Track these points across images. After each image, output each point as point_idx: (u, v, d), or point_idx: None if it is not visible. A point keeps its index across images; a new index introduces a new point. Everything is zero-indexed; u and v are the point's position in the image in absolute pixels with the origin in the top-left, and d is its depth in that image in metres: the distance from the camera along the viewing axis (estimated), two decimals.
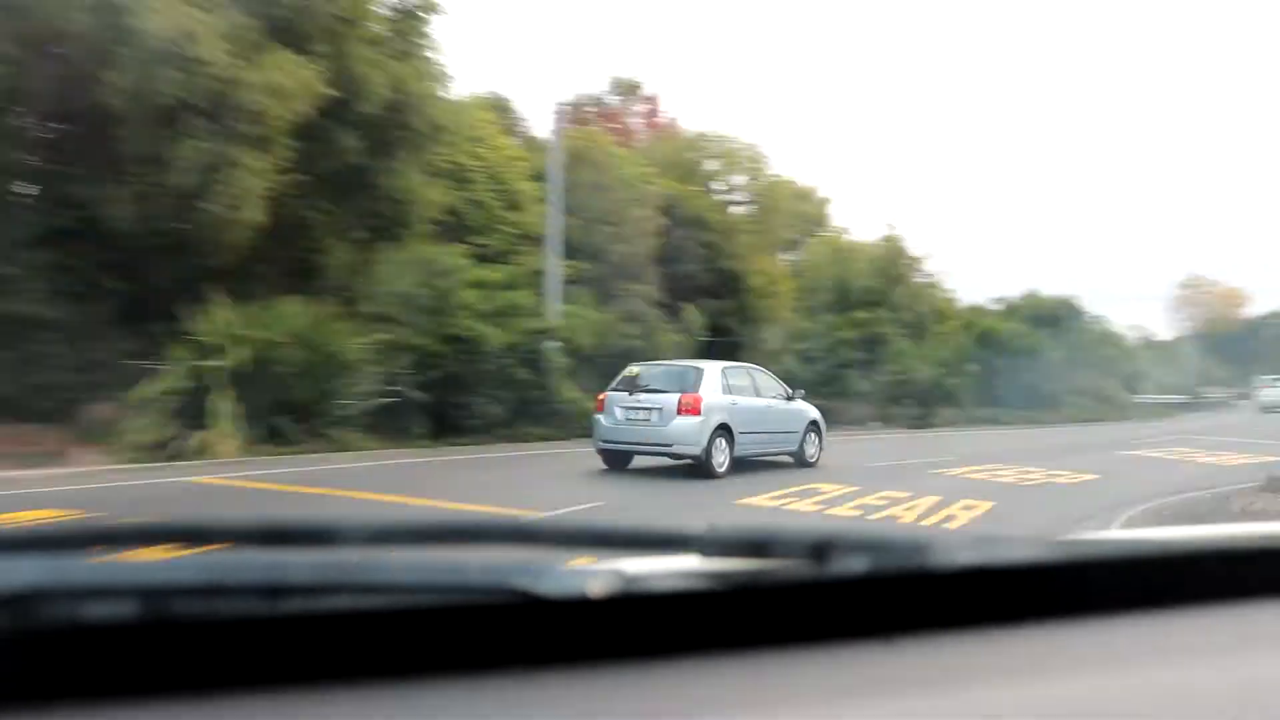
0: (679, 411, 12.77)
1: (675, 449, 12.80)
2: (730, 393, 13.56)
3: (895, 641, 0.79)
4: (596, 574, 0.78)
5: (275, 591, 0.70)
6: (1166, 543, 1.06)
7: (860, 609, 0.80)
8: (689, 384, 13.22)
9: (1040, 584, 0.85)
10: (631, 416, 13.11)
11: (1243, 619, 0.94)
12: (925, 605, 0.81)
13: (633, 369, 14.20)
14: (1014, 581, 0.84)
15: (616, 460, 13.48)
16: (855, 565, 0.79)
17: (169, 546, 0.74)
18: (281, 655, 0.69)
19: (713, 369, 13.80)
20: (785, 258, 34.42)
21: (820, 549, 0.80)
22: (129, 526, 0.74)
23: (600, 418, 13.44)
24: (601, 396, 13.73)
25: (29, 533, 0.77)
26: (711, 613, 0.80)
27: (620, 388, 13.57)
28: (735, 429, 13.19)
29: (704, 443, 12.65)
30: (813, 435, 14.89)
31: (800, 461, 14.47)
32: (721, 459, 12.88)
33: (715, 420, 12.88)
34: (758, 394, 14.34)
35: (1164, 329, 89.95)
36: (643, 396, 13.20)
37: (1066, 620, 0.84)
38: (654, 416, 12.97)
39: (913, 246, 34.96)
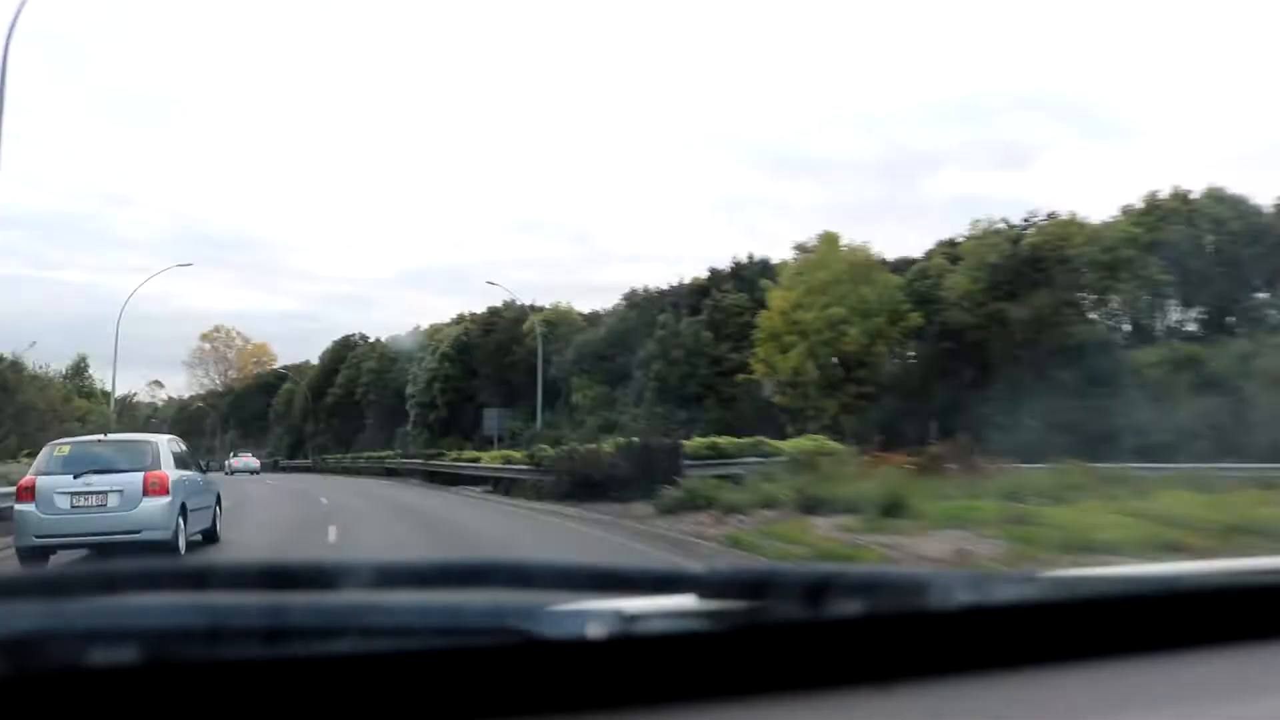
0: (146, 492, 11.35)
1: (145, 535, 11.17)
2: (180, 467, 12.61)
3: (891, 688, 0.79)
4: (595, 615, 0.78)
5: (275, 635, 0.70)
6: (1171, 578, 1.05)
7: (856, 652, 0.80)
8: (148, 461, 11.88)
9: (1039, 624, 0.86)
10: (80, 503, 11.22)
11: (1249, 660, 0.93)
12: (922, 648, 0.81)
13: (63, 446, 12.45)
14: (1012, 621, 0.85)
15: (40, 557, 11.27)
16: (851, 607, 0.79)
17: (171, 591, 0.74)
18: (281, 699, 0.69)
19: (164, 442, 12.85)
20: None
21: (817, 589, 0.80)
22: (130, 571, 0.74)
23: (29, 509, 11.16)
24: (26, 482, 11.52)
25: (30, 577, 0.77)
26: (708, 655, 0.80)
27: (55, 470, 11.57)
28: (188, 507, 12.26)
29: (173, 525, 11.55)
30: (218, 509, 14.26)
31: (210, 538, 13.58)
32: (183, 540, 11.87)
33: (179, 499, 11.88)
34: (189, 467, 13.35)
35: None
36: (93, 479, 11.40)
37: (1067, 663, 0.84)
38: (113, 500, 11.29)
39: None
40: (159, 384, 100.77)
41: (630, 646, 0.78)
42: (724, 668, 0.79)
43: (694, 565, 0.87)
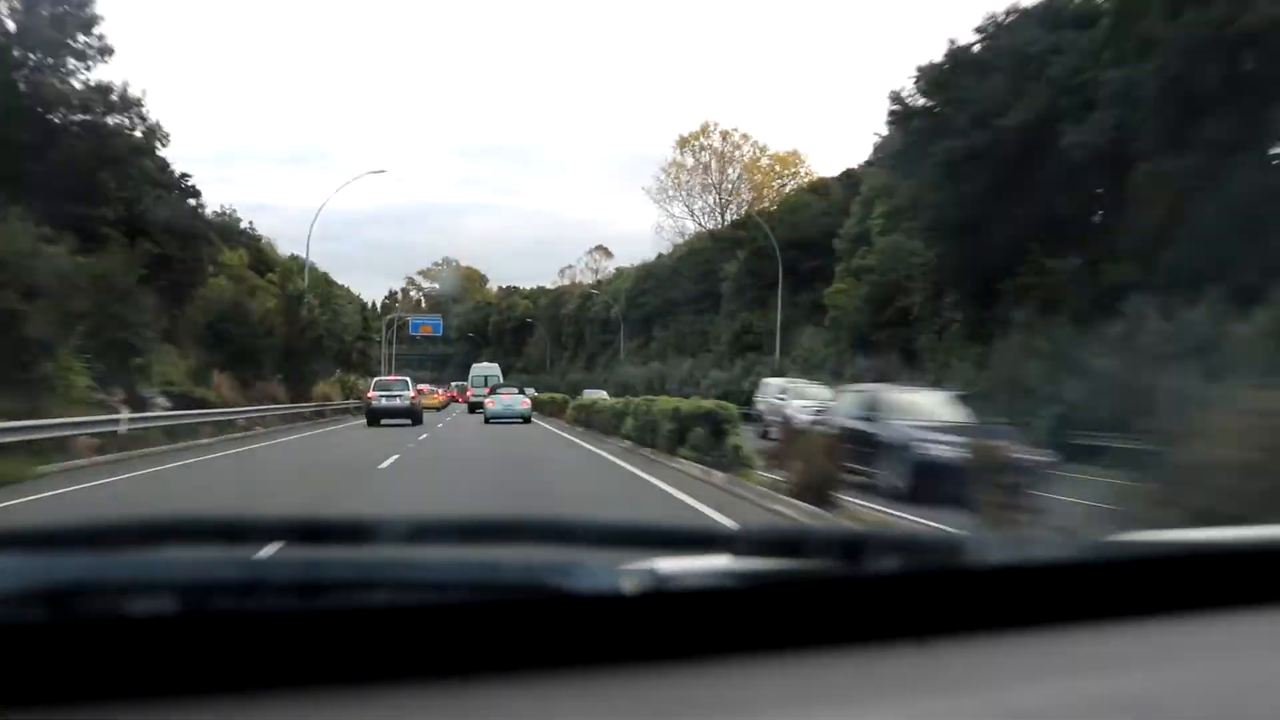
0: None
1: None
2: None
3: (928, 642, 0.77)
4: (630, 572, 0.78)
5: (312, 588, 0.71)
6: (1203, 543, 1.04)
7: (893, 608, 0.78)
8: None
9: (1074, 584, 0.83)
10: None
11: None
12: (958, 605, 0.79)
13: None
14: (1047, 581, 0.82)
15: None
16: (888, 564, 0.78)
17: (210, 543, 0.76)
18: (317, 652, 0.70)
19: None
20: None
21: (853, 548, 0.78)
22: (170, 522, 0.75)
23: None
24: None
25: (72, 528, 0.79)
26: (744, 612, 0.79)
27: None
28: None
29: None
30: None
31: None
32: None
33: None
34: None
35: None
36: None
37: (1101, 621, 0.82)
38: None
39: None
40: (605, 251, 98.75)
41: (664, 602, 0.78)
42: (759, 623, 0.78)
43: (728, 524, 0.85)
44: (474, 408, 42.06)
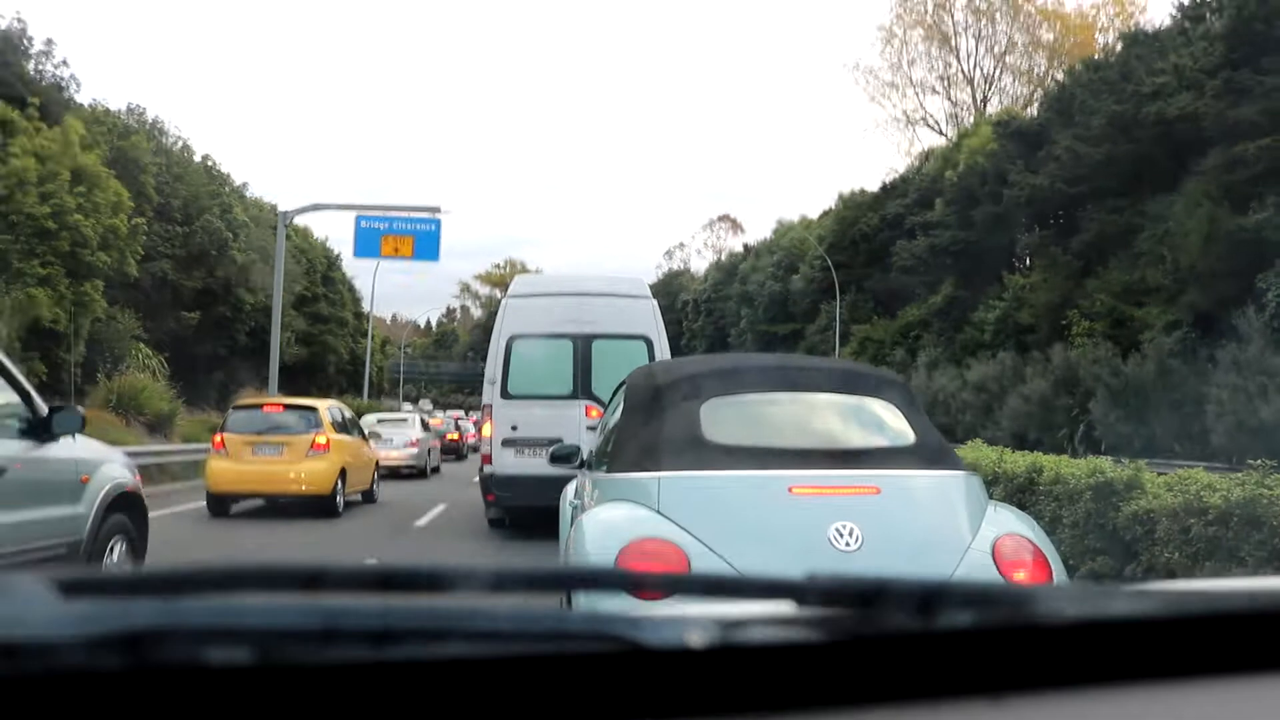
0: None
1: None
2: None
3: (1003, 699, 0.78)
4: (696, 622, 0.77)
5: (381, 637, 0.70)
6: None
7: (967, 664, 0.79)
8: None
9: (1152, 640, 0.85)
10: None
11: None
12: (1034, 661, 0.80)
13: None
14: (1125, 636, 0.84)
15: None
16: (961, 618, 0.79)
17: (288, 590, 0.74)
18: (390, 702, 0.69)
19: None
20: None
21: (927, 601, 0.79)
22: (245, 570, 0.73)
23: None
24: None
25: (148, 574, 0.77)
26: (812, 665, 0.79)
27: None
28: None
29: None
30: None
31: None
32: None
33: None
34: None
35: None
36: None
37: (1179, 680, 0.84)
38: None
39: None
40: None
41: (731, 655, 0.77)
42: (828, 677, 0.78)
43: (794, 573, 0.86)
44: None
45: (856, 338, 44.00)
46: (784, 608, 0.84)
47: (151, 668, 0.66)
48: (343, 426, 14.78)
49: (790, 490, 3.63)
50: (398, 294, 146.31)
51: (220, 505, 13.44)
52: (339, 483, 13.56)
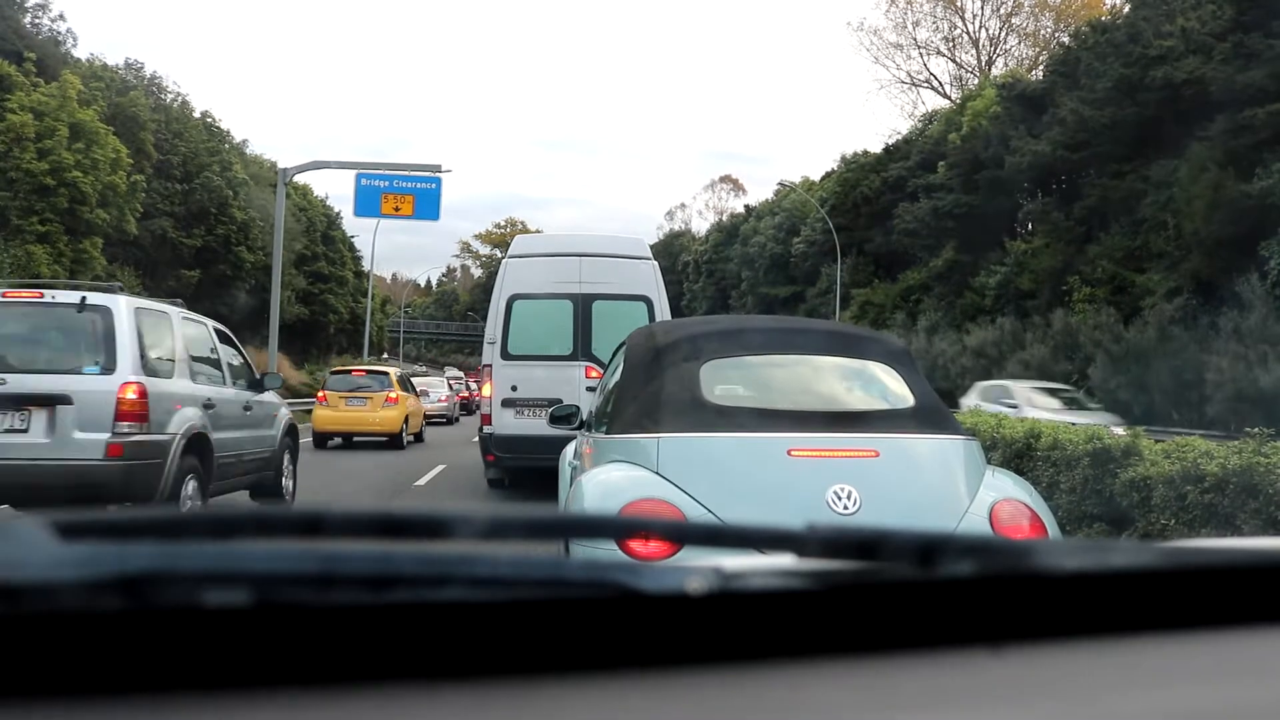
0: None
1: None
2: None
3: (1003, 649, 0.78)
4: (695, 570, 0.77)
5: (380, 582, 0.70)
6: None
7: (967, 614, 0.79)
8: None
9: (1151, 592, 0.85)
10: None
11: None
12: (1034, 612, 0.80)
13: None
14: (1124, 589, 0.84)
15: None
16: (962, 568, 0.79)
17: (285, 537, 0.74)
18: (386, 647, 0.70)
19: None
20: None
21: (927, 551, 0.79)
22: (245, 515, 0.73)
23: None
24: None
25: (143, 518, 0.77)
26: (812, 614, 0.79)
27: None
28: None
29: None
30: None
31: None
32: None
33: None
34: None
35: None
36: None
37: (1177, 632, 0.84)
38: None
39: None
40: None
41: (730, 603, 0.77)
42: (827, 625, 0.78)
43: (794, 524, 0.86)
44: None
45: (857, 301, 43.11)
46: (784, 559, 0.84)
47: (149, 610, 0.66)
48: (405, 386, 21.00)
49: (789, 453, 3.62)
50: (398, 253, 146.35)
51: (322, 441, 19.41)
52: (404, 425, 19.83)
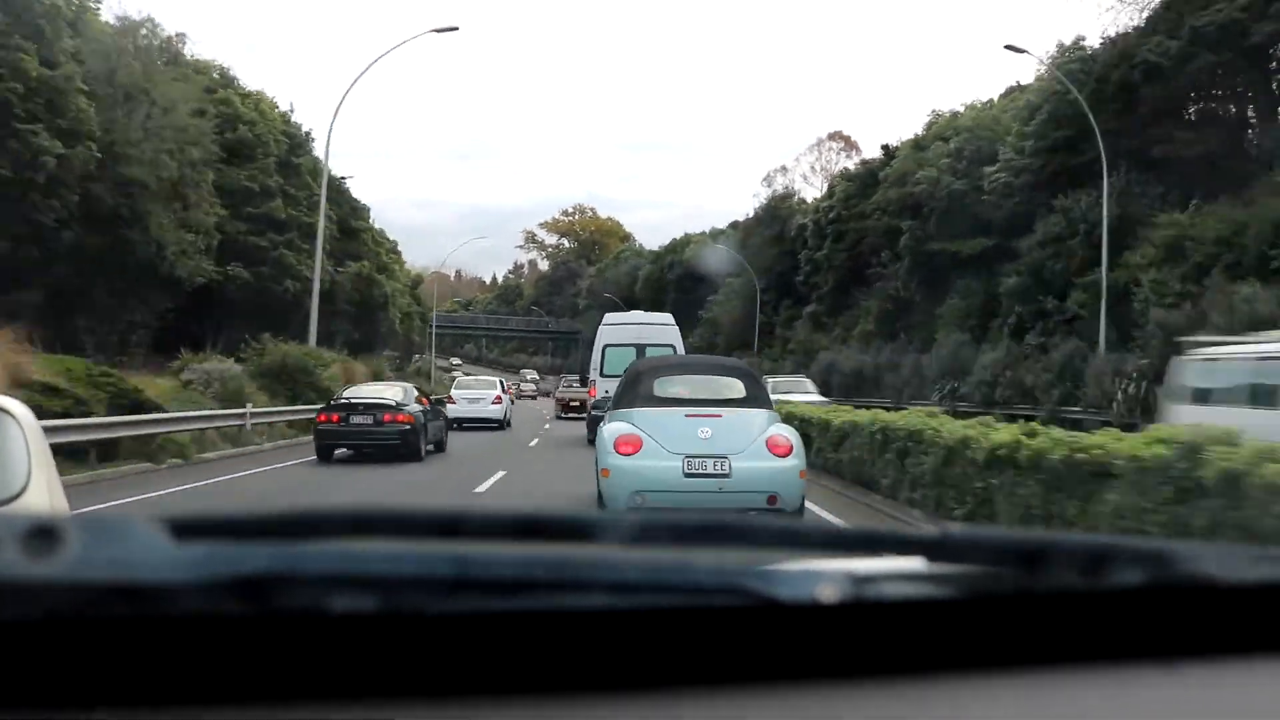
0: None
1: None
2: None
3: (1176, 665, 0.73)
4: (826, 576, 0.73)
5: (512, 587, 0.67)
6: None
7: (1138, 627, 0.74)
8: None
9: None
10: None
11: None
12: (1210, 625, 0.75)
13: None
14: None
15: None
16: (1132, 577, 0.73)
17: (421, 538, 0.70)
18: (512, 655, 0.66)
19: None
20: None
21: (1095, 558, 0.74)
22: (379, 514, 0.69)
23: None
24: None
25: (269, 516, 0.73)
26: (952, 624, 0.74)
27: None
28: None
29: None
30: None
31: None
32: None
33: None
34: None
35: None
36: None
37: None
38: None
39: None
40: None
41: (866, 611, 0.73)
42: (969, 638, 0.74)
43: (926, 527, 0.81)
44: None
45: (1158, 235, 24.25)
46: (916, 563, 0.79)
47: (271, 614, 0.63)
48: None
49: (686, 415, 8.24)
50: (474, 259, 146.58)
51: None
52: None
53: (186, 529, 0.70)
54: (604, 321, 21.23)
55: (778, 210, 58.17)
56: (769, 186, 62.60)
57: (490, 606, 0.65)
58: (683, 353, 19.39)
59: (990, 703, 0.70)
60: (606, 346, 19.84)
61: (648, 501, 7.78)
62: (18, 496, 2.53)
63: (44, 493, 2.63)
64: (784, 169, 65.89)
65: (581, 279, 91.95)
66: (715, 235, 67.65)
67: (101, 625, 0.61)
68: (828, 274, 48.11)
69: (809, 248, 51.03)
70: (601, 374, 19.23)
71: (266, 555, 0.65)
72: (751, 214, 61.83)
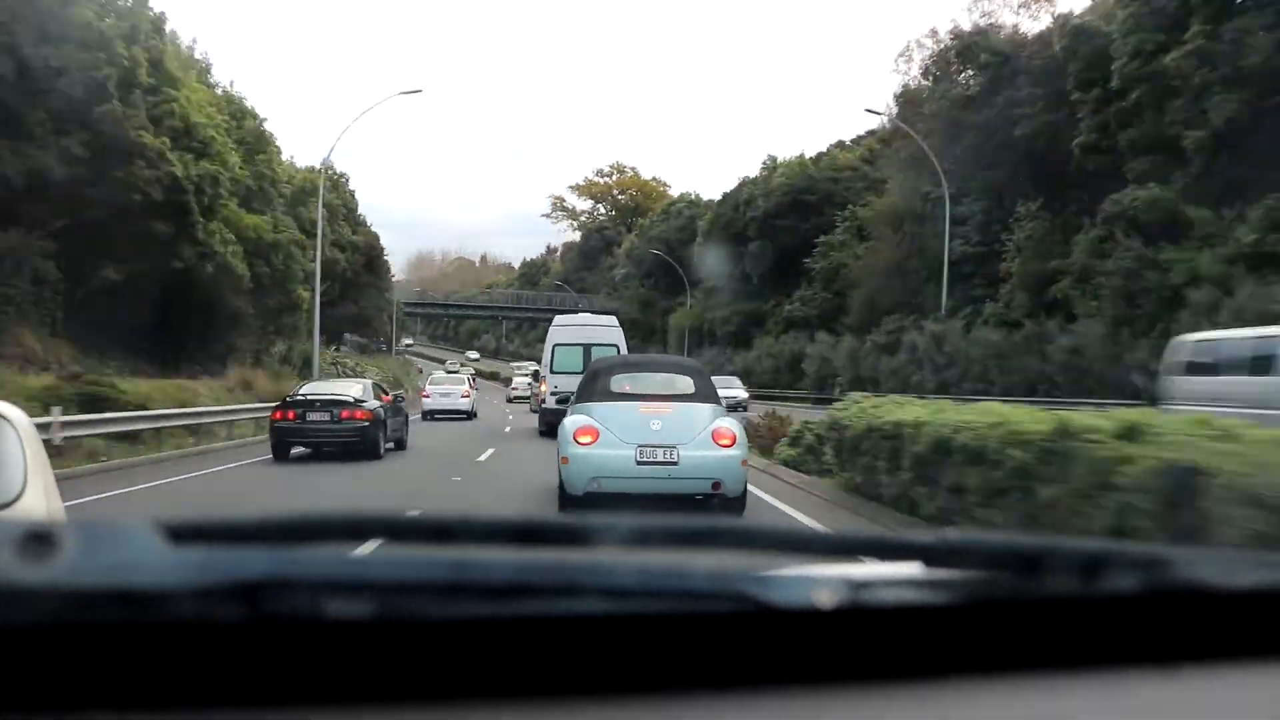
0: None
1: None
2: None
3: (1172, 670, 0.73)
4: (823, 581, 0.73)
5: (508, 593, 0.67)
6: None
7: (1135, 631, 0.74)
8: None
9: None
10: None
11: None
12: (1209, 630, 0.75)
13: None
14: None
15: None
16: (1126, 582, 0.73)
17: (418, 543, 0.70)
18: (509, 660, 0.66)
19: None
20: None
21: (1092, 564, 0.74)
22: (377, 519, 0.69)
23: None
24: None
25: (265, 521, 0.73)
26: (949, 629, 0.74)
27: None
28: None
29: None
30: None
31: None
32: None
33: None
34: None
35: None
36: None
37: None
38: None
39: None
40: None
41: (862, 616, 0.73)
42: (963, 642, 0.74)
43: (921, 533, 0.81)
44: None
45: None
46: (911, 568, 0.79)
47: (268, 619, 0.63)
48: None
49: (640, 410, 8.80)
50: (515, 254, 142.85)
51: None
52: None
53: (183, 533, 0.70)
54: (554, 323, 23.20)
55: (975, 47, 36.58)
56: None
57: (486, 611, 0.65)
58: (625, 352, 20.81)
59: (987, 708, 0.70)
60: (556, 345, 21.42)
61: (603, 487, 8.52)
62: (14, 501, 2.54)
63: (41, 497, 2.64)
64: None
65: (619, 247, 78.48)
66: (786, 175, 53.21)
67: (98, 630, 0.61)
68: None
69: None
70: (551, 370, 20.92)
71: (263, 560, 0.65)
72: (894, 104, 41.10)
